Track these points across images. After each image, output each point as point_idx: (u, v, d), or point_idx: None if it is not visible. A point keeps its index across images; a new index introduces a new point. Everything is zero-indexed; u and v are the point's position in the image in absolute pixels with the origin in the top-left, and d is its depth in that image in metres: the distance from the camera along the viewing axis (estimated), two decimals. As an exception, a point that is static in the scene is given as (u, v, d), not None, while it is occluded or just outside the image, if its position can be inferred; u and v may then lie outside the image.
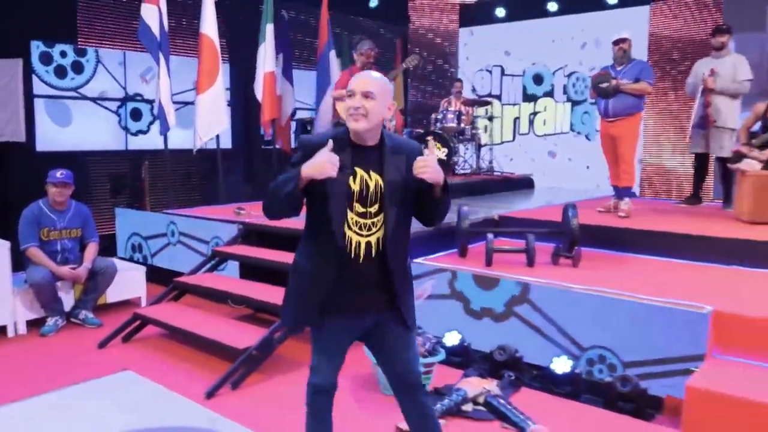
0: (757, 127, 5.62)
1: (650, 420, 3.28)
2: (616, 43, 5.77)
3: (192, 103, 6.60)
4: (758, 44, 7.37)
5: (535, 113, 10.21)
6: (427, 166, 2.04)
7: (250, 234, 5.23)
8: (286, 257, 4.61)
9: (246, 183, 7.89)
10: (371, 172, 2.13)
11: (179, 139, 7.10)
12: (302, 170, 2.03)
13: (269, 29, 6.82)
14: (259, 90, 6.80)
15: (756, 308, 3.44)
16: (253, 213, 5.72)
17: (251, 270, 5.05)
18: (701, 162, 6.55)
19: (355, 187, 2.12)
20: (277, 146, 7.66)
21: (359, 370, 3.81)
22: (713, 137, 6.11)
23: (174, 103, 6.44)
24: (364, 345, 2.41)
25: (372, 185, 2.13)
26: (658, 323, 3.41)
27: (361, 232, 2.13)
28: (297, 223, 5.03)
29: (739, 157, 5.47)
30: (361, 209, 2.13)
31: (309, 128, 7.66)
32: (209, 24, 6.31)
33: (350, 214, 2.11)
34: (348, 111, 2.10)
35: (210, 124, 6.27)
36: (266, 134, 7.09)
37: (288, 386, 3.68)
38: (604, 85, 5.67)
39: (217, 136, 6.58)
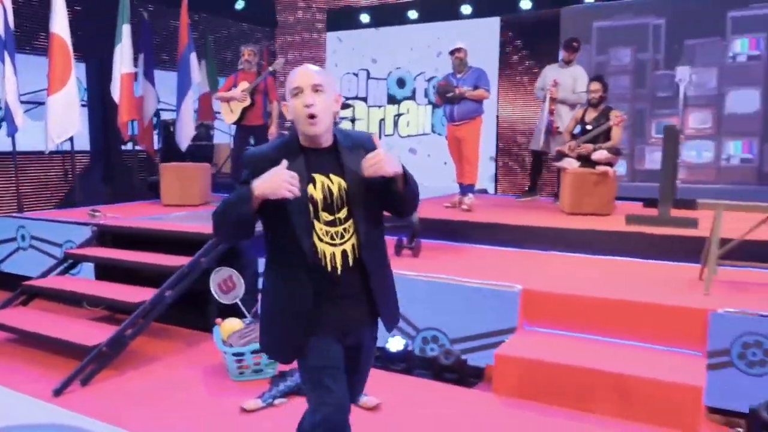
0: (577, 130, 6.38)
1: (471, 387, 3.76)
2: (452, 53, 6.34)
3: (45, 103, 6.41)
4: (586, 56, 8.28)
5: (399, 115, 10.74)
6: (380, 160, 1.86)
7: (105, 235, 5.22)
8: (143, 257, 4.73)
9: (104, 185, 7.71)
10: (332, 176, 1.95)
11: (32, 140, 6.83)
12: (254, 189, 1.82)
13: (126, 30, 6.74)
14: (115, 91, 6.72)
15: (559, 286, 4.01)
16: (109, 215, 5.69)
17: (107, 271, 5.06)
18: (537, 159, 7.30)
19: (318, 195, 1.93)
20: (139, 147, 7.59)
21: (209, 359, 4.02)
22: (555, 140, 6.79)
23: (26, 103, 6.23)
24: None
25: (336, 190, 1.95)
26: (478, 303, 3.90)
27: (334, 242, 1.95)
28: (152, 223, 5.16)
29: (560, 156, 6.22)
30: (328, 217, 1.95)
31: (172, 129, 7.65)
32: (60, 23, 6.15)
33: (318, 225, 1.94)
34: (301, 113, 1.91)
35: (62, 125, 6.11)
36: (123, 136, 7.00)
37: (140, 381, 3.81)
38: (450, 95, 6.23)
39: (72, 137, 6.43)
